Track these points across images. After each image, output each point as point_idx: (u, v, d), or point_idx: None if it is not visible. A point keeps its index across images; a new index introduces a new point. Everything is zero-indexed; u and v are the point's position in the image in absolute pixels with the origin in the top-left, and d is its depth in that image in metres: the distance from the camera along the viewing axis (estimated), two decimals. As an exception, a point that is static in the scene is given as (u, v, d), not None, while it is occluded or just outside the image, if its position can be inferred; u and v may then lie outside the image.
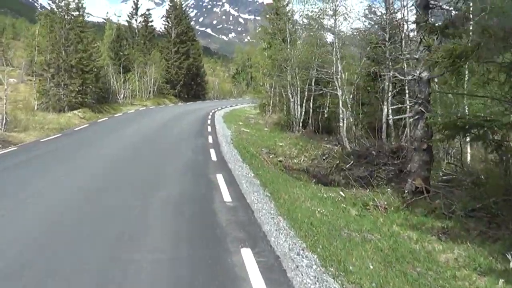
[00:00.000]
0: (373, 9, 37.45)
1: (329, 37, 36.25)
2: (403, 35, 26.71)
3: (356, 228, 11.94)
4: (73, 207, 11.90)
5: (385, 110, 29.54)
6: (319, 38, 39.45)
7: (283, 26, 47.17)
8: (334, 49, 32.08)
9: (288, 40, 42.56)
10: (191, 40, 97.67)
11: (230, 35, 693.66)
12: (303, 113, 40.30)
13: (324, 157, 30.01)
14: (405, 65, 25.87)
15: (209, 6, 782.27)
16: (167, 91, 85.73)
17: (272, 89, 51.96)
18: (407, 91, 26.16)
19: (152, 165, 19.20)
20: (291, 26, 45.68)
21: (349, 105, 32.19)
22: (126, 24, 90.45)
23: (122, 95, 64.98)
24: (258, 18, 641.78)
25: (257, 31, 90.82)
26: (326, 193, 17.09)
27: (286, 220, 11.61)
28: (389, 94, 29.72)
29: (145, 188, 14.40)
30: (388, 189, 17.93)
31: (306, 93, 40.49)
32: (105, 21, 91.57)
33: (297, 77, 39.81)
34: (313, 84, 39.80)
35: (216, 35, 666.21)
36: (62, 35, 42.88)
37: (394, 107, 23.64)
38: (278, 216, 11.89)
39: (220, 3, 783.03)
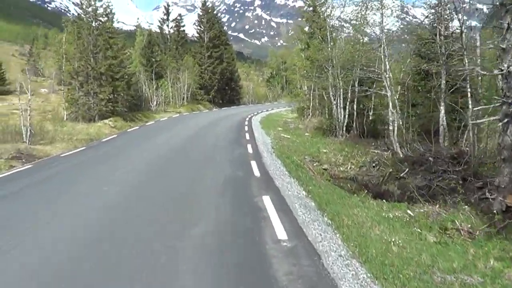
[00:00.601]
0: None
1: (375, 33, 33.32)
2: (463, 27, 23.84)
3: (447, 267, 9.16)
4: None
5: (442, 111, 26.89)
6: (363, 34, 36.72)
7: (322, 23, 44.30)
8: (382, 45, 29.21)
9: (329, 39, 39.64)
10: (224, 44, 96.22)
11: (262, 39, 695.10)
12: (346, 116, 37.44)
13: (373, 164, 27.34)
14: (466, 61, 23.04)
15: (241, 11, 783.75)
16: (201, 97, 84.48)
17: (312, 92, 49.13)
18: (469, 89, 23.34)
19: (182, 187, 15.43)
20: (331, 23, 42.64)
21: (398, 107, 29.35)
22: (158, 30, 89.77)
23: (155, 102, 63.71)
24: (291, 21, 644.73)
25: (290, 33, 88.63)
26: (390, 211, 14.52)
27: (364, 265, 8.71)
28: (443, 93, 27.12)
29: (169, 226, 10.86)
30: (465, 206, 14.96)
31: (349, 94, 37.63)
32: (136, 28, 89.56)
33: (339, 78, 36.91)
34: (356, 85, 37.10)
35: (249, 40, 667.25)
36: (90, 41, 41.64)
37: (479, 108, 19.70)
38: (352, 260, 8.96)
39: (252, 8, 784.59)
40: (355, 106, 37.94)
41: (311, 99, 49.60)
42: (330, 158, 29.12)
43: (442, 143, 26.43)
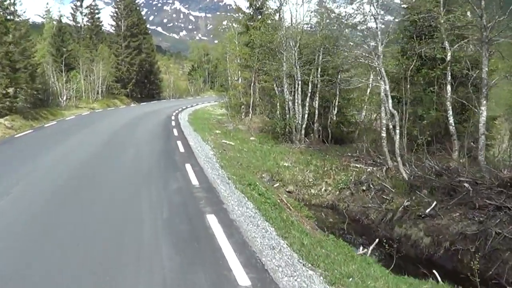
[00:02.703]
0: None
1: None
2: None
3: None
4: None
5: (450, 110, 19.61)
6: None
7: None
8: (373, 15, 21.12)
9: (282, 14, 31.62)
10: (143, 33, 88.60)
11: (181, 33, 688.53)
12: (306, 116, 29.68)
13: (363, 187, 19.69)
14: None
15: (159, 5, 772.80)
16: (118, 91, 76.54)
17: (252, 85, 40.77)
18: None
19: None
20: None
21: (388, 105, 21.18)
22: (70, 17, 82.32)
23: (64, 97, 55.12)
24: (209, 15, 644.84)
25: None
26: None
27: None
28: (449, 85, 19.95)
29: None
30: None
31: (309, 88, 29.77)
32: (45, 14, 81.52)
33: (297, 65, 29.00)
34: (318, 75, 29.35)
35: (167, 34, 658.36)
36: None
37: None
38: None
39: (170, 1, 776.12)
40: (316, 103, 30.00)
41: (252, 94, 41.03)
42: (295, 175, 21.81)
43: (457, 157, 19.04)
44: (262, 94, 40.37)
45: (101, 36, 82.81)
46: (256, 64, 37.23)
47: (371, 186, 19.31)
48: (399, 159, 19.33)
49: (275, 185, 20.15)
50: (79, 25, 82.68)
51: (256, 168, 21.46)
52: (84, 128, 33.42)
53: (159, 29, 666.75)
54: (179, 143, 25.33)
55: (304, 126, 29.25)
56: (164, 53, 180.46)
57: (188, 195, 13.78)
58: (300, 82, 28.92)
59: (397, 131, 20.16)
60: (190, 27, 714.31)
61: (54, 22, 71.49)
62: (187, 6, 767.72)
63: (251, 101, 40.58)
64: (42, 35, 70.77)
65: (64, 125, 36.24)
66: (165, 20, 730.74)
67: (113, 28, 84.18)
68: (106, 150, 22.89)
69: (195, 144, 25.18)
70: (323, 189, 20.64)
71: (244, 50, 40.57)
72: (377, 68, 20.89)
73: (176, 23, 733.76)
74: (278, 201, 15.23)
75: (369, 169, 21.41)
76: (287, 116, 30.49)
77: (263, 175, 20.58)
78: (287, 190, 20.21)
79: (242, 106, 42.82)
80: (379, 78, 21.27)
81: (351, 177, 20.71)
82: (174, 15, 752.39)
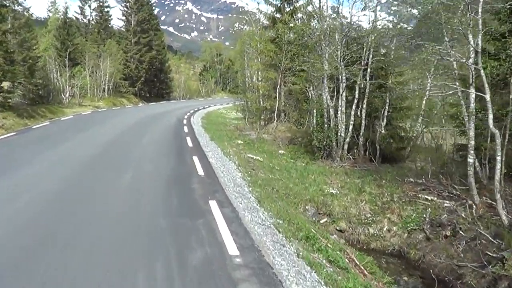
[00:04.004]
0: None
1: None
2: None
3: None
4: None
5: None
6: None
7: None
8: None
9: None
10: (154, 29, 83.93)
11: (192, 34, 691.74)
12: (350, 127, 24.20)
13: (444, 231, 14.50)
14: None
15: (171, 5, 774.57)
16: (126, 89, 72.76)
17: (278, 87, 35.14)
18: None
19: None
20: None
21: (488, 122, 15.24)
22: (78, 10, 78.91)
23: (67, 94, 50.93)
24: (221, 16, 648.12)
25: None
26: None
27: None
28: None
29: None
30: None
31: (355, 92, 24.38)
32: (50, 6, 79.01)
33: (342, 65, 23.60)
34: (367, 77, 24.20)
35: (178, 34, 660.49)
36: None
37: None
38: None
39: (183, 2, 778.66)
40: (363, 112, 24.59)
41: (277, 98, 35.43)
42: (346, 207, 16.55)
43: None
44: (288, 98, 35.31)
45: (109, 31, 78.68)
46: (284, 63, 32.26)
47: (459, 231, 14.09)
48: (498, 196, 13.87)
49: (322, 221, 15.28)
50: (87, 18, 78.82)
51: (297, 196, 16.48)
52: (77, 134, 27.51)
53: (171, 29, 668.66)
54: (195, 160, 19.52)
55: (347, 139, 23.94)
56: (175, 53, 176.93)
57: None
58: (344, 86, 23.53)
59: (498, 157, 14.53)
60: (201, 28, 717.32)
61: (60, 14, 67.90)
62: (199, 7, 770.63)
63: (276, 106, 35.29)
64: (47, 27, 68.29)
65: (55, 128, 30.90)
66: (176, 20, 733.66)
67: (123, 22, 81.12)
68: (89, 176, 15.69)
69: (216, 161, 19.70)
70: (385, 229, 15.63)
71: (269, 46, 35.40)
72: (470, 70, 15.36)
73: (187, 24, 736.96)
74: (347, 260, 10.32)
75: (446, 204, 16.14)
76: (326, 126, 24.88)
77: (307, 207, 15.69)
78: (337, 228, 15.33)
79: (264, 111, 37.53)
80: (468, 83, 15.83)
81: (424, 215, 15.50)
82: (186, 16, 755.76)
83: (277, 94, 34.60)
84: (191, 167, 17.94)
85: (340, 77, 23.33)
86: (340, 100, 23.39)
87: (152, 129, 31.48)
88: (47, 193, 12.79)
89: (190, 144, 24.65)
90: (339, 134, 23.60)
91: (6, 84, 34.99)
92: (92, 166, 17.44)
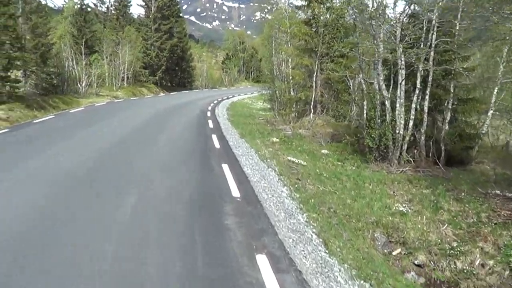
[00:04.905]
0: None
1: None
2: None
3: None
4: None
5: None
6: None
7: None
8: None
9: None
10: (175, 16, 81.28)
11: (214, 23, 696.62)
12: (411, 123, 19.75)
13: None
14: None
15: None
16: (146, 78, 70.20)
17: (315, 76, 30.95)
18: None
19: None
20: None
21: None
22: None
23: (83, 83, 48.69)
24: (243, 6, 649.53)
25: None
26: None
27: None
28: None
29: None
30: None
31: (417, 81, 19.61)
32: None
33: (400, 46, 19.05)
34: (431, 62, 19.77)
35: (200, 23, 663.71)
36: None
37: None
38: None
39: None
40: (426, 105, 20.41)
41: (314, 87, 31.36)
42: (422, 230, 12.58)
43: None
44: (324, 87, 31.62)
45: (128, 17, 76.89)
46: (321, 47, 28.66)
47: None
48: None
49: (394, 252, 11.47)
50: (105, 5, 77.25)
51: (360, 217, 12.49)
52: (77, 132, 22.81)
53: (192, 18, 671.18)
54: (226, 170, 14.97)
55: (407, 138, 19.68)
56: (197, 42, 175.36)
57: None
58: (404, 72, 19.37)
59: None
60: (223, 17, 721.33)
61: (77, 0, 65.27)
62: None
63: (313, 96, 31.35)
64: (63, 14, 67.56)
65: (57, 123, 27.13)
66: (198, 10, 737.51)
67: (143, 8, 78.79)
68: (77, 198, 10.87)
69: (252, 170, 15.41)
70: (477, 262, 11.62)
71: (304, 29, 31.49)
72: None
73: (209, 13, 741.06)
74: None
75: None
76: (379, 121, 20.40)
77: (375, 235, 11.90)
78: (415, 262, 11.49)
79: (297, 102, 33.76)
80: None
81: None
82: (207, 5, 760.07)
83: (314, 83, 30.79)
84: (221, 183, 13.36)
85: (400, 62, 19.15)
86: (399, 90, 19.14)
87: (171, 124, 27.56)
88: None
89: (217, 144, 20.46)
90: (397, 131, 19.45)
91: (18, 73, 34.63)
92: (73, 190, 11.72)
